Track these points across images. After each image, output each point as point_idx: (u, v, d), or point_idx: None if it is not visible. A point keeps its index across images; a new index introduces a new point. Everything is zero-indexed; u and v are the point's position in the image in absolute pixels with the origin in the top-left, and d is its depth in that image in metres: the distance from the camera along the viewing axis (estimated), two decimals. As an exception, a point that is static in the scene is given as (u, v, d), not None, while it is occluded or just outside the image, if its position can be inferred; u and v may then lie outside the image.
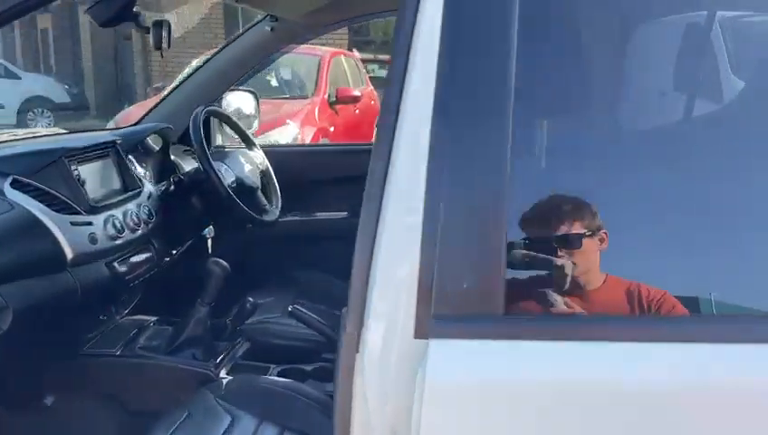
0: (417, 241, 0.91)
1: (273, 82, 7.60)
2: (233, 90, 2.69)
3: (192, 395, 1.65)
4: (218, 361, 1.98)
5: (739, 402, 0.86)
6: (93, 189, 1.93)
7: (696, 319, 0.93)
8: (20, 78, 12.66)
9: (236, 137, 2.56)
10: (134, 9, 1.78)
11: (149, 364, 1.95)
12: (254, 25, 2.56)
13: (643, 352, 0.87)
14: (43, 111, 12.24)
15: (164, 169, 2.40)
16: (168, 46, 2.01)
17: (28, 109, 12.19)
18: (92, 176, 1.96)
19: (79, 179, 1.86)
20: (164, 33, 1.96)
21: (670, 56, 1.09)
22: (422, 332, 0.90)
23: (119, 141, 2.12)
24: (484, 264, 0.89)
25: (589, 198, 0.95)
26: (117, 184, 2.07)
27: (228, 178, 2.28)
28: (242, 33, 2.61)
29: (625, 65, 1.11)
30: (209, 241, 2.62)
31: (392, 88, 0.95)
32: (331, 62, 7.79)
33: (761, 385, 0.86)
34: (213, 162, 2.18)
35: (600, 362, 0.87)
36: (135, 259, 2.00)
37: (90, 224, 1.82)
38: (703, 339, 0.88)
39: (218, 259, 2.02)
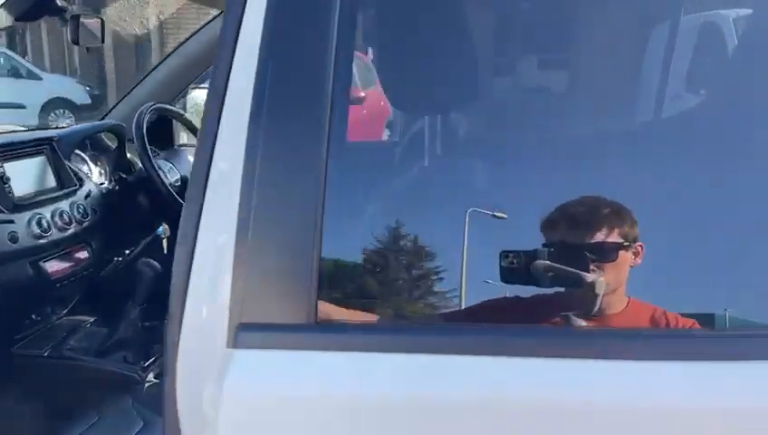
0: (230, 250, 0.84)
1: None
2: (198, 87, 2.68)
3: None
4: (146, 364, 1.92)
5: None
6: (20, 187, 1.89)
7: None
8: (41, 79, 12.90)
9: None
10: (59, 3, 1.75)
11: (75, 366, 1.91)
12: (210, 22, 2.52)
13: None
14: (64, 112, 12.45)
15: (119, 168, 2.36)
16: (102, 41, 1.98)
17: (50, 110, 12.41)
18: (21, 173, 1.92)
19: (2, 177, 1.83)
20: (91, 29, 1.91)
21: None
22: (231, 341, 0.83)
23: (56, 138, 2.08)
24: (294, 273, 0.82)
25: (408, 204, 0.87)
26: (51, 182, 2.03)
27: (172, 176, 2.28)
28: (199, 30, 2.56)
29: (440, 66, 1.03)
30: (164, 241, 2.59)
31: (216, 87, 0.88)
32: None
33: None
34: (158, 160, 2.18)
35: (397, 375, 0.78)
36: (66, 259, 1.96)
37: (11, 222, 1.79)
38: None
39: (149, 260, 1.97)
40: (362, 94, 7.71)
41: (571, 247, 0.87)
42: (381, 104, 8.24)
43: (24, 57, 14.97)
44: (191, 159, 2.37)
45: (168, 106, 2.45)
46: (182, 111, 2.50)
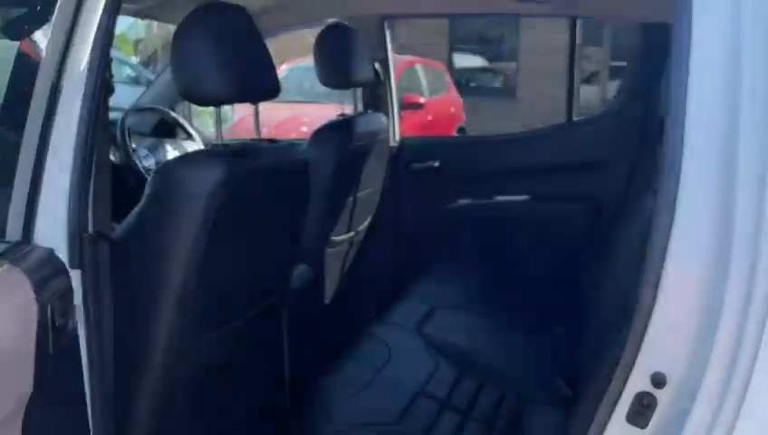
0: None
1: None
2: None
3: None
4: None
5: None
6: None
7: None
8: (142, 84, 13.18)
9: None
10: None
11: None
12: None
13: None
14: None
15: None
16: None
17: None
18: None
19: None
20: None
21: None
22: None
23: None
24: None
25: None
26: None
27: (147, 161, 2.23)
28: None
29: None
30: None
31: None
32: (402, 70, 7.33)
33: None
34: (139, 148, 2.22)
35: None
36: None
37: None
38: None
39: None
40: (421, 100, 7.37)
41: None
42: (451, 111, 7.83)
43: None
44: (169, 147, 2.34)
45: (152, 106, 2.48)
46: (167, 109, 2.48)
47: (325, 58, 1.95)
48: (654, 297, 0.82)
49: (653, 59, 2.17)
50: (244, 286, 1.43)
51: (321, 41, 1.94)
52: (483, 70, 12.08)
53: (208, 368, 1.36)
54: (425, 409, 1.36)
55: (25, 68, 1.12)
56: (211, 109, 3.31)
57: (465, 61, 11.90)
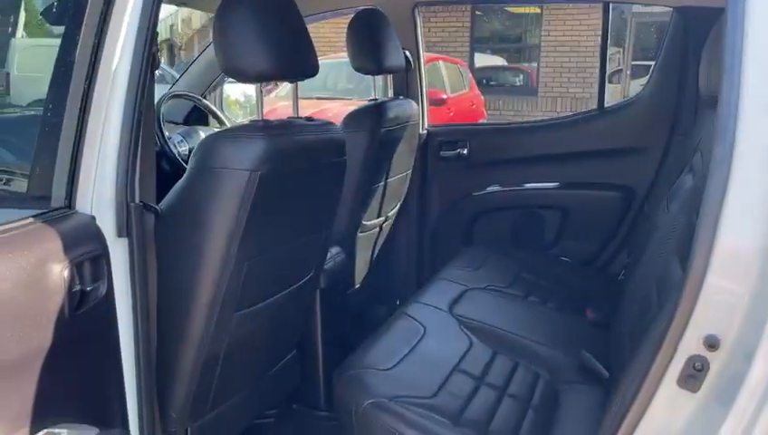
0: None
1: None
2: (228, 81, 2.72)
3: None
4: None
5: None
6: None
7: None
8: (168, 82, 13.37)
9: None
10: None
11: None
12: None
13: None
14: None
15: None
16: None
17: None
18: None
19: None
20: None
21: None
22: None
23: None
24: None
25: None
26: None
27: (182, 147, 2.26)
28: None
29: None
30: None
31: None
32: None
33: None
34: (173, 135, 2.25)
35: None
36: None
37: None
38: None
39: None
40: (443, 96, 7.41)
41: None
42: (472, 107, 7.86)
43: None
44: (202, 133, 2.33)
45: (185, 93, 2.49)
46: (200, 97, 2.51)
47: (357, 43, 1.96)
48: (707, 263, 0.81)
49: (686, 44, 2.15)
50: (282, 260, 1.45)
51: (354, 26, 1.96)
52: (504, 68, 12.07)
53: (242, 338, 1.37)
54: (460, 384, 1.37)
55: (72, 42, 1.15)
56: (241, 99, 3.45)
57: (486, 60, 11.91)
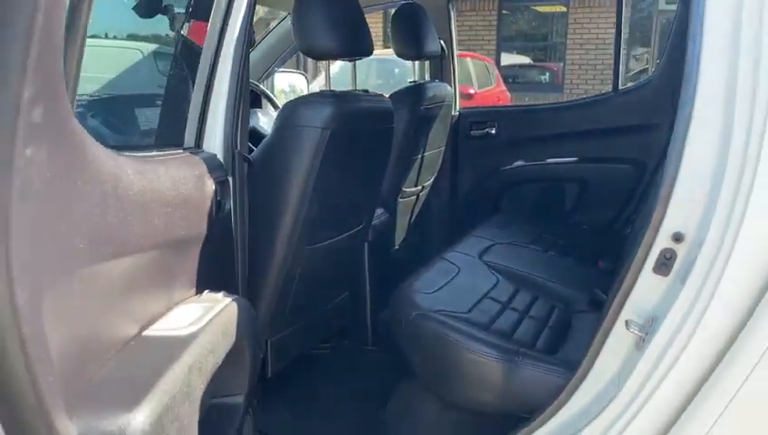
0: None
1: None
2: (284, 71, 3.11)
3: None
4: None
5: None
6: None
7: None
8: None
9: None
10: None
11: None
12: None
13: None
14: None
15: None
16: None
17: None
18: None
19: None
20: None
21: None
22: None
23: None
24: None
25: None
26: None
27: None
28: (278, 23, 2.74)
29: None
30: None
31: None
32: (455, 65, 7.69)
33: None
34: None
35: None
36: None
37: None
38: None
39: None
40: (471, 91, 7.72)
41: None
42: (498, 102, 8.13)
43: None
44: (260, 115, 2.63)
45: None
46: (257, 83, 2.77)
47: (400, 32, 2.27)
48: (676, 174, 1.09)
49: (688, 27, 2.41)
50: (343, 208, 1.77)
51: (397, 18, 2.27)
52: (530, 66, 12.31)
53: (311, 270, 1.69)
54: (489, 306, 1.66)
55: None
56: (286, 89, 3.78)
57: (513, 60, 12.17)
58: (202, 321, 0.97)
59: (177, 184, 1.04)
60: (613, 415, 1.12)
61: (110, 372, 0.79)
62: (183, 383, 0.84)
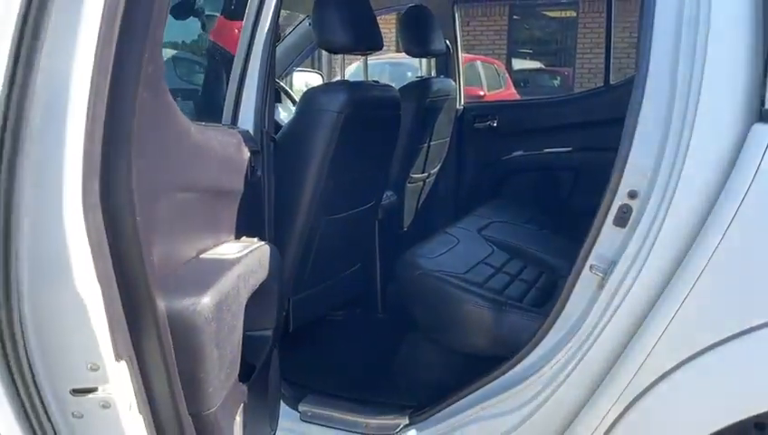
0: None
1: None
2: (302, 71, 3.38)
3: None
4: None
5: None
6: None
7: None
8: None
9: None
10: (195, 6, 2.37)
11: None
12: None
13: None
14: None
15: None
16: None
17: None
18: None
19: None
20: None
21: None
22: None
23: None
24: None
25: None
26: None
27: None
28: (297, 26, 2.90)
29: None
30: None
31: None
32: (463, 66, 7.85)
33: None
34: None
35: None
36: None
37: None
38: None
39: None
40: (480, 93, 7.95)
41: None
42: (506, 105, 7.96)
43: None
44: (280, 110, 2.90)
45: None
46: (277, 80, 2.87)
47: (408, 31, 2.51)
48: (630, 144, 1.32)
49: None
50: (356, 186, 2.01)
51: (406, 18, 2.52)
52: (541, 71, 12.53)
53: (328, 239, 1.94)
54: (484, 270, 1.90)
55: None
56: (303, 87, 3.97)
57: (524, 64, 12.40)
58: (244, 251, 1.23)
59: (223, 145, 1.30)
60: (578, 344, 1.35)
61: (184, 272, 1.06)
62: (233, 286, 1.09)
